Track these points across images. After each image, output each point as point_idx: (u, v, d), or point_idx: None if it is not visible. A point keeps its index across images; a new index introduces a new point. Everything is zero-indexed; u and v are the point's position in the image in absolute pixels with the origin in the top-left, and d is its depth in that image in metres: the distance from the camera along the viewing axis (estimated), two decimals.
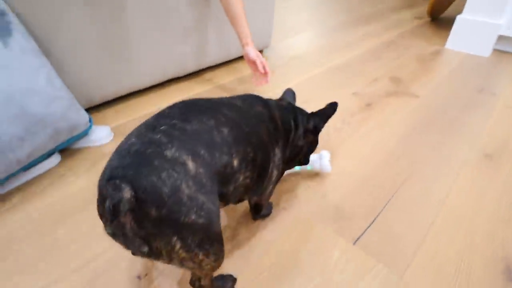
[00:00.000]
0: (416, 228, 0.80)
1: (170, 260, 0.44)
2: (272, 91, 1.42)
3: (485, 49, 1.90)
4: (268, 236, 0.76)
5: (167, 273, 0.68)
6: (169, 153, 0.41)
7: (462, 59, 1.85)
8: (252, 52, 1.21)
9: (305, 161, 0.80)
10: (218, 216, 0.45)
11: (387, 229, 0.79)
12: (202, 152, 0.44)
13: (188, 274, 0.67)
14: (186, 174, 0.40)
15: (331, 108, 0.74)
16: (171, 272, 0.68)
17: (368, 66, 1.72)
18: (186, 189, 0.40)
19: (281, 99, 0.77)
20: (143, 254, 0.42)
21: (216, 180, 0.46)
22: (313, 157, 0.92)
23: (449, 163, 1.02)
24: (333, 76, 1.59)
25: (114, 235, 0.41)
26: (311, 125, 0.73)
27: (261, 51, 1.87)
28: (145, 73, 1.31)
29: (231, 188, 0.50)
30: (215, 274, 0.64)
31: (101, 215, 0.40)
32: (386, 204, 0.86)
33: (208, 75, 1.57)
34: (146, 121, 0.47)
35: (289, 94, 0.84)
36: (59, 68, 1.01)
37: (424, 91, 1.47)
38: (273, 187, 0.69)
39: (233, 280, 0.65)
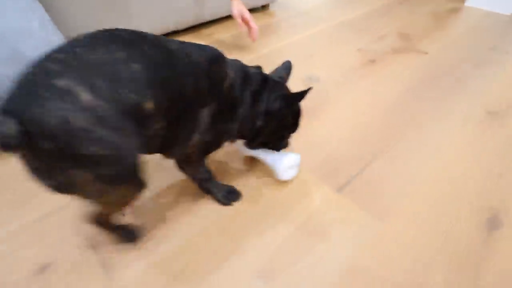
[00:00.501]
0: (404, 178, 0.79)
1: (84, 194, 0.44)
2: (274, 45, 1.38)
3: (506, 6, 1.77)
4: (252, 181, 0.78)
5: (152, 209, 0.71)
6: (59, 82, 0.37)
7: (480, 16, 1.74)
8: (234, 7, 1.19)
9: (275, 146, 0.73)
10: (129, 150, 0.43)
11: (374, 179, 0.79)
12: (100, 84, 0.39)
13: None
14: (77, 105, 0.37)
15: (301, 92, 0.61)
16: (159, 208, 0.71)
17: (377, 23, 1.64)
18: (78, 121, 0.37)
19: (257, 66, 0.67)
20: (56, 189, 0.42)
21: (130, 119, 0.42)
22: (278, 154, 0.74)
23: (450, 118, 0.99)
24: (339, 32, 1.53)
25: (33, 170, 0.40)
26: (274, 106, 0.63)
27: (267, 5, 1.80)
28: (144, 26, 1.29)
29: (149, 132, 0.47)
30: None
31: None
32: (376, 155, 0.85)
33: (207, 30, 1.53)
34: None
35: (284, 66, 0.74)
36: (53, 19, 1.00)
37: (434, 48, 1.40)
38: (201, 157, 0.63)
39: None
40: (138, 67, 0.43)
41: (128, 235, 0.63)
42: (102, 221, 0.56)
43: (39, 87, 0.36)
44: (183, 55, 0.50)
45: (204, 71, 0.52)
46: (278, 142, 0.72)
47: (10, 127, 0.34)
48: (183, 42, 0.53)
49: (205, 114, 0.54)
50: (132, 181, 0.47)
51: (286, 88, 0.68)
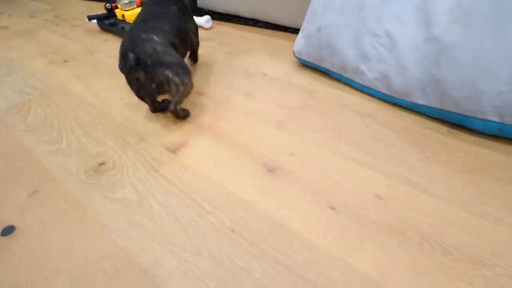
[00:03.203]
0: None
1: (169, 88, 0.75)
2: None
3: None
4: None
5: None
6: (143, 35, 0.74)
7: None
8: None
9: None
10: (179, 58, 0.77)
11: None
12: (160, 34, 0.77)
13: None
14: (155, 42, 0.74)
15: None
16: None
17: None
18: (157, 47, 0.73)
19: None
20: (155, 92, 0.76)
21: (172, 46, 0.79)
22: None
23: None
24: None
25: (137, 91, 0.77)
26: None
27: None
28: None
29: (179, 51, 0.83)
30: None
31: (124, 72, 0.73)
32: None
33: None
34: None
35: None
36: None
37: None
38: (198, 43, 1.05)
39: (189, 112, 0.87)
40: (167, 26, 0.82)
41: (185, 113, 0.85)
42: (177, 111, 0.81)
43: (136, 40, 0.73)
44: (171, 10, 0.88)
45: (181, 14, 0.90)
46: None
47: (132, 57, 0.70)
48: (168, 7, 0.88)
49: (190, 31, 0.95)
50: (189, 73, 0.78)
51: None
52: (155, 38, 0.74)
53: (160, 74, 0.71)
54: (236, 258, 0.50)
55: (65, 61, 1.22)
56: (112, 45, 1.35)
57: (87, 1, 2.09)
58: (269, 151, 0.71)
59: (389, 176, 0.63)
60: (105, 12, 1.54)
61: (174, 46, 0.80)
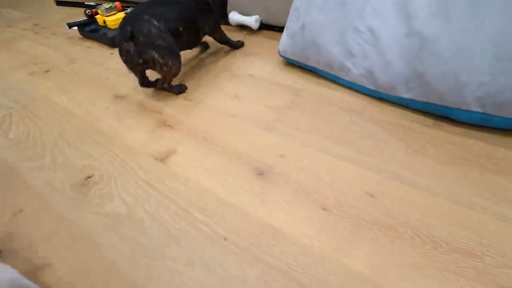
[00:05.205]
0: None
1: (154, 66, 0.87)
2: None
3: None
4: None
5: None
6: (145, 17, 0.85)
7: None
8: None
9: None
10: (175, 45, 0.89)
11: None
12: (161, 20, 0.87)
13: None
14: (153, 26, 0.84)
15: None
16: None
17: None
18: (154, 30, 0.84)
19: None
20: (140, 65, 0.87)
21: (172, 34, 0.89)
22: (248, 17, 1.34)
23: None
24: None
25: (125, 60, 0.86)
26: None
27: None
28: None
29: (182, 39, 0.94)
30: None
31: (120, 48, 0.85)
32: None
33: None
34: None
35: None
36: None
37: None
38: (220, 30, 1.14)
39: (185, 87, 1.00)
40: (172, 13, 0.91)
41: (180, 89, 0.98)
42: (165, 86, 0.95)
43: (137, 18, 0.84)
44: (184, 2, 0.96)
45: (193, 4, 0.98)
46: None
47: (129, 30, 0.81)
48: None
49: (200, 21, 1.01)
50: (176, 58, 0.89)
51: None
52: (155, 22, 0.85)
53: (147, 53, 0.83)
54: (229, 266, 0.50)
55: (47, 71, 1.20)
56: (94, 53, 1.32)
57: (67, 8, 2.05)
58: (258, 154, 0.71)
59: (378, 172, 0.64)
60: (86, 18, 1.51)
61: (176, 32, 0.90)
